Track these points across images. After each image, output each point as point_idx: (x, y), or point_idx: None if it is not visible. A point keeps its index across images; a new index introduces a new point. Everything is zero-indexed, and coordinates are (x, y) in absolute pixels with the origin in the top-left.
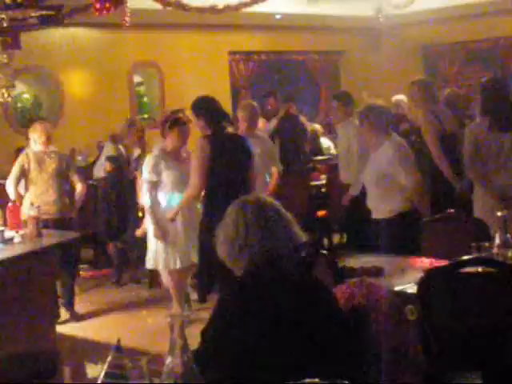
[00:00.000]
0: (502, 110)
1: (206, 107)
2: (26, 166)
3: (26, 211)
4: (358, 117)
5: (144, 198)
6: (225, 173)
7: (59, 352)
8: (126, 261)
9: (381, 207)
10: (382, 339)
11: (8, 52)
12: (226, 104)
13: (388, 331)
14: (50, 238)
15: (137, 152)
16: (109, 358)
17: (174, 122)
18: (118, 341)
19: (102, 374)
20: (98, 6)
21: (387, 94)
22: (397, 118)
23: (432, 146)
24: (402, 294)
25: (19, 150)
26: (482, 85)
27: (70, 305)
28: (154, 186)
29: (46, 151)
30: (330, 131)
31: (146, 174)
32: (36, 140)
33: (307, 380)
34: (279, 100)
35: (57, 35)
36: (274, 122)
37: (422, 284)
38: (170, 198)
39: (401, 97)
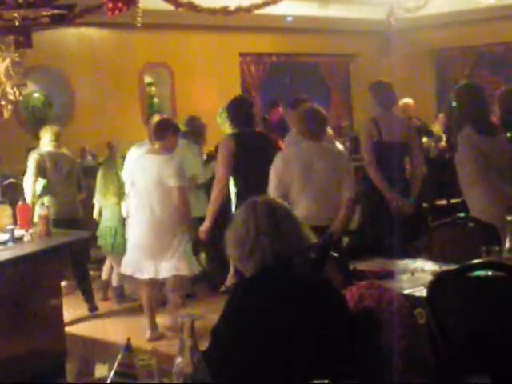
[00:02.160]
0: (482, 115)
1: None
2: (43, 164)
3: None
4: None
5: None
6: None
7: (67, 351)
8: None
9: None
10: (393, 341)
11: (20, 51)
12: None
13: (399, 334)
14: (60, 236)
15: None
16: (118, 358)
17: (177, 129)
18: (128, 340)
19: (112, 373)
20: (110, 5)
21: (397, 97)
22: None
23: (365, 155)
24: (411, 297)
25: (30, 151)
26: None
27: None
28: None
29: (58, 152)
30: (340, 134)
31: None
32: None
33: (316, 382)
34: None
35: (68, 35)
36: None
37: (431, 287)
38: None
39: (408, 100)
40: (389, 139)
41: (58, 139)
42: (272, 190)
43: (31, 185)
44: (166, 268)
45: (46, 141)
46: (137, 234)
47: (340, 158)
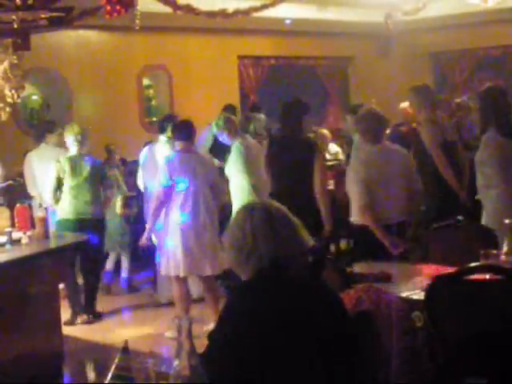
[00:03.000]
0: (505, 118)
1: None
2: (61, 174)
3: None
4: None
5: None
6: None
7: (64, 353)
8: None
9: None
10: (391, 344)
11: (18, 53)
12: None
13: (397, 336)
14: (58, 239)
15: None
16: (116, 360)
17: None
18: (126, 342)
19: (109, 375)
20: (108, 8)
21: (396, 100)
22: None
23: (435, 154)
24: (409, 301)
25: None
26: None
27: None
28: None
29: (78, 155)
30: (338, 137)
31: None
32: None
33: None
34: None
35: (66, 37)
36: None
37: (429, 290)
38: None
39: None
40: (450, 138)
41: (79, 140)
42: (359, 197)
43: (52, 193)
44: (207, 267)
45: (70, 142)
46: (180, 231)
47: (406, 155)
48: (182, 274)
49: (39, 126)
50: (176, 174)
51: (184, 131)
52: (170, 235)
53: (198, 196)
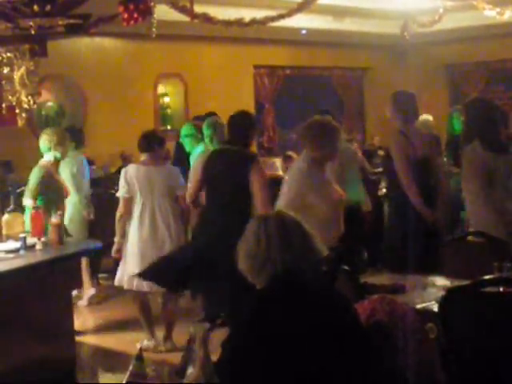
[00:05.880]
0: (490, 132)
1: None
2: None
3: None
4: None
5: None
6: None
7: (77, 360)
8: None
9: None
10: (404, 355)
11: (35, 59)
12: None
13: (411, 348)
14: (72, 245)
15: None
16: (130, 367)
17: (163, 141)
18: (140, 350)
19: (124, 382)
20: (125, 16)
21: None
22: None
23: (400, 171)
24: (423, 312)
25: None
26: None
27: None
28: None
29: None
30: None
31: None
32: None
33: None
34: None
35: (83, 44)
36: None
37: (442, 302)
38: None
39: (427, 116)
40: (415, 154)
41: None
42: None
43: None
44: None
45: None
46: (138, 245)
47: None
48: (134, 288)
49: (74, 133)
50: (132, 186)
51: (142, 144)
52: (129, 248)
53: (155, 209)
